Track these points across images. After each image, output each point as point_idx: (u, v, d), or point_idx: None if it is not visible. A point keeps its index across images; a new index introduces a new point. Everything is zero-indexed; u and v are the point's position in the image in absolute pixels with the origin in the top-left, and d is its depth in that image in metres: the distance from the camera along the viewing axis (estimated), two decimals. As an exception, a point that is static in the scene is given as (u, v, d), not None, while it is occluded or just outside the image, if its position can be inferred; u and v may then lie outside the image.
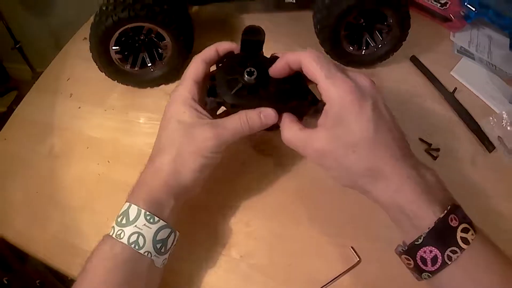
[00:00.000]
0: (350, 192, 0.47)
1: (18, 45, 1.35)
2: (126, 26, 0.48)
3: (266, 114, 0.38)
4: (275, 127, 0.40)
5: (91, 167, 0.52)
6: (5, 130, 0.59)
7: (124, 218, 0.35)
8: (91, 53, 0.52)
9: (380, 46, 0.57)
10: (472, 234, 0.32)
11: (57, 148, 0.55)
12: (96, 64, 0.53)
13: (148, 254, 0.35)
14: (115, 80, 0.55)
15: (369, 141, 0.34)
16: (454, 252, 0.31)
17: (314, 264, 0.44)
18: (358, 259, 0.43)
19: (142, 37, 0.52)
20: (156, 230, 0.35)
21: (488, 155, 0.53)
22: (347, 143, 0.34)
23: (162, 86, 0.58)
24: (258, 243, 0.45)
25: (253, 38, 0.39)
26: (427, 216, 0.33)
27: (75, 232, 0.47)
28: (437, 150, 0.52)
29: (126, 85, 0.57)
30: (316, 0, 0.54)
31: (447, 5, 0.68)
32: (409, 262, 0.34)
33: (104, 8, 0.48)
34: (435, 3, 0.69)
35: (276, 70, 0.38)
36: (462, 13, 0.68)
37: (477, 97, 0.60)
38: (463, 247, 0.31)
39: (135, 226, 0.35)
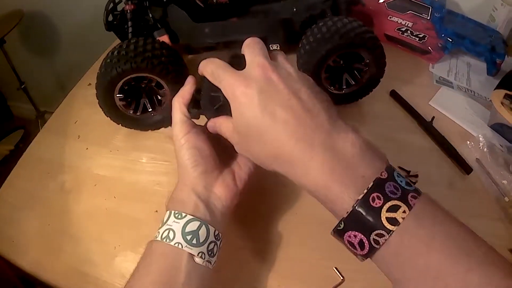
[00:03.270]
0: (334, 218, 0.53)
1: (23, 86, 1.43)
2: (129, 77, 0.55)
3: None
4: None
5: (99, 202, 0.57)
6: (17, 168, 0.64)
7: (161, 223, 0.41)
8: (97, 100, 0.58)
9: (359, 83, 0.62)
10: (404, 212, 0.29)
11: (67, 185, 0.60)
12: (102, 110, 0.59)
13: (178, 245, 0.38)
14: (119, 124, 0.62)
15: (262, 127, 0.34)
16: (380, 235, 0.30)
17: (301, 285, 0.48)
18: (341, 279, 0.48)
19: (143, 85, 0.59)
20: (185, 223, 0.39)
21: (466, 177, 0.59)
22: (247, 134, 0.37)
23: (162, 129, 0.64)
24: (250, 267, 0.50)
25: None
26: (341, 200, 0.31)
27: (85, 261, 0.52)
28: (416, 176, 0.57)
29: (129, 128, 0.63)
30: (298, 47, 0.61)
31: (425, 39, 0.75)
32: (342, 245, 0.34)
33: (108, 60, 0.55)
34: (413, 37, 0.76)
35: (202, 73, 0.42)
36: (440, 45, 0.75)
37: (455, 123, 0.67)
38: (390, 228, 0.29)
39: (167, 224, 0.40)
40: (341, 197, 0.31)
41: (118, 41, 0.68)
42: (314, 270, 0.50)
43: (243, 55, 0.40)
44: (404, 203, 0.30)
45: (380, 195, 0.30)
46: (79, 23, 1.31)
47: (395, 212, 0.30)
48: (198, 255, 0.39)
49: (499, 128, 0.65)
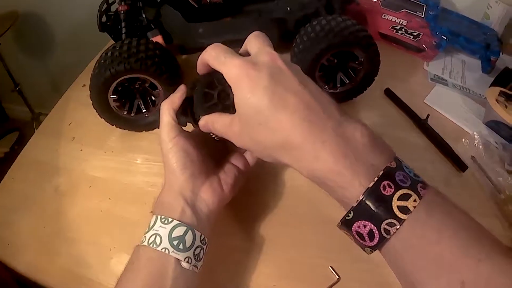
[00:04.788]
0: (329, 216, 0.54)
1: (18, 88, 1.43)
2: (123, 77, 0.55)
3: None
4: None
5: (94, 204, 0.57)
6: (12, 170, 0.64)
7: (147, 227, 0.41)
8: (91, 101, 0.58)
9: (353, 82, 0.62)
10: (415, 201, 0.29)
11: (62, 187, 0.60)
12: (96, 111, 0.59)
13: (165, 250, 0.38)
14: (113, 125, 0.62)
15: (270, 109, 0.33)
16: (391, 224, 0.29)
17: (297, 284, 0.48)
18: (337, 278, 0.48)
19: (137, 86, 0.59)
20: (171, 229, 0.39)
21: (462, 175, 0.59)
22: (252, 118, 0.34)
23: (156, 130, 0.64)
24: (244, 267, 0.50)
25: None
26: (352, 187, 0.31)
27: (81, 263, 0.52)
28: (411, 174, 0.59)
29: (124, 129, 0.63)
30: (292, 46, 0.61)
31: (420, 37, 0.76)
32: (349, 237, 0.33)
33: (102, 61, 0.55)
34: (408, 35, 0.76)
35: (198, 67, 0.42)
36: (434, 43, 0.75)
37: (450, 121, 0.67)
38: (401, 217, 0.29)
39: (153, 229, 0.40)
40: (352, 184, 0.31)
41: (112, 42, 0.68)
42: (309, 269, 0.50)
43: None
44: (414, 192, 0.30)
45: (391, 183, 0.30)
46: (73, 24, 1.31)
47: (406, 200, 0.29)
48: (184, 260, 0.39)
49: (494, 125, 0.65)
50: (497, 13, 0.78)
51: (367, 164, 0.31)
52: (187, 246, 0.40)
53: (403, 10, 0.74)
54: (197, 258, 0.41)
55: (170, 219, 0.40)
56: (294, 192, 0.57)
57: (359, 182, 0.30)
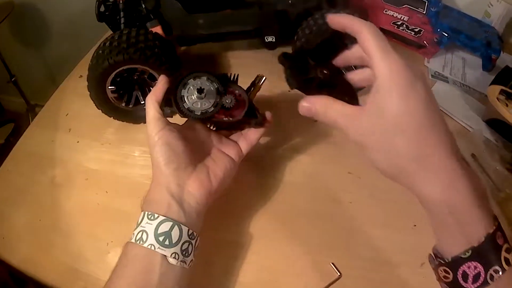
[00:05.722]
0: (327, 212, 0.53)
1: (13, 79, 1.41)
2: (121, 68, 0.54)
3: None
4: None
5: (90, 197, 0.56)
6: (8, 161, 0.63)
7: (136, 224, 0.41)
8: (89, 92, 0.57)
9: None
10: None
11: (58, 179, 0.59)
12: (94, 102, 0.58)
13: (151, 246, 0.38)
14: (111, 117, 0.61)
15: (420, 122, 0.32)
16: (496, 271, 0.30)
17: (297, 280, 0.48)
18: (339, 274, 0.47)
19: (135, 77, 0.58)
20: (157, 224, 0.39)
21: (462, 173, 0.59)
22: (396, 122, 0.32)
23: None
24: (243, 262, 0.49)
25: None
26: (478, 227, 0.31)
27: (77, 257, 0.51)
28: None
29: (121, 121, 0.62)
30: (294, 39, 0.60)
31: (421, 33, 0.75)
32: (447, 275, 0.33)
33: (100, 51, 0.54)
34: (409, 31, 0.76)
35: (334, 20, 0.37)
36: (435, 39, 0.75)
37: (450, 118, 0.66)
38: (505, 267, 0.30)
39: (141, 226, 0.40)
40: (479, 223, 0.31)
41: (110, 32, 0.66)
42: (310, 266, 0.49)
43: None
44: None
45: (501, 235, 0.32)
46: (70, 14, 1.29)
47: (508, 254, 0.31)
48: (171, 256, 0.39)
49: (494, 123, 0.65)
50: (497, 12, 0.77)
51: (487, 210, 0.32)
52: (174, 241, 0.39)
53: (404, 6, 0.73)
54: (185, 253, 0.40)
55: (156, 215, 0.40)
56: (292, 187, 0.56)
57: (483, 225, 0.31)
